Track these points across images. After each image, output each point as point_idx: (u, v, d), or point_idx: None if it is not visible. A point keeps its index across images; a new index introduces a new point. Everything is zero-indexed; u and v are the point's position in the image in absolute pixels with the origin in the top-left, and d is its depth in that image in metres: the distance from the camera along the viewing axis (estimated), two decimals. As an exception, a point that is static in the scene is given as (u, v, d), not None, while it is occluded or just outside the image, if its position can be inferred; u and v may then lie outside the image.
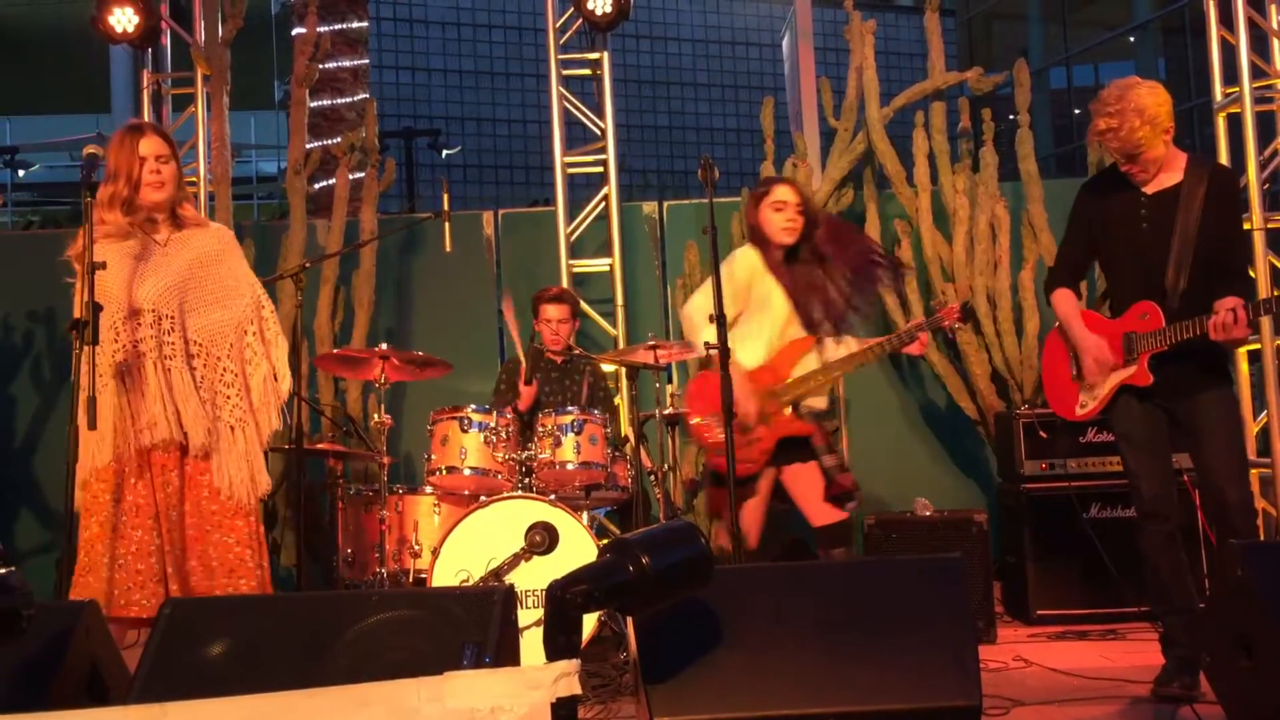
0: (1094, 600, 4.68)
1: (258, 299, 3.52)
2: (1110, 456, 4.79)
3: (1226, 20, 5.64)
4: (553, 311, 5.05)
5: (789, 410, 3.97)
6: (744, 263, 4.07)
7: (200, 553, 3.29)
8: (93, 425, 2.97)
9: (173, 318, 3.32)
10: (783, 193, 4.06)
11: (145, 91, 6.43)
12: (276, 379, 3.49)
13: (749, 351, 3.97)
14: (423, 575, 4.38)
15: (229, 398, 3.38)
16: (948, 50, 6.38)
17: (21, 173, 19.46)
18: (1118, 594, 4.64)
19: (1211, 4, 5.81)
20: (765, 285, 4.04)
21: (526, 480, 4.39)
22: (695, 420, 4.06)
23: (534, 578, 3.99)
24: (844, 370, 4.12)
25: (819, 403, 4.08)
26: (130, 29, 5.95)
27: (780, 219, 4.03)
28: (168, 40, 6.48)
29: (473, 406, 4.44)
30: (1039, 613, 4.71)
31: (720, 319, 3.49)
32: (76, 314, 3.09)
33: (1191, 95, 22.12)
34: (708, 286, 3.96)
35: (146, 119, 6.41)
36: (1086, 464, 4.83)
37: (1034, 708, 3.23)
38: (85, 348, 2.97)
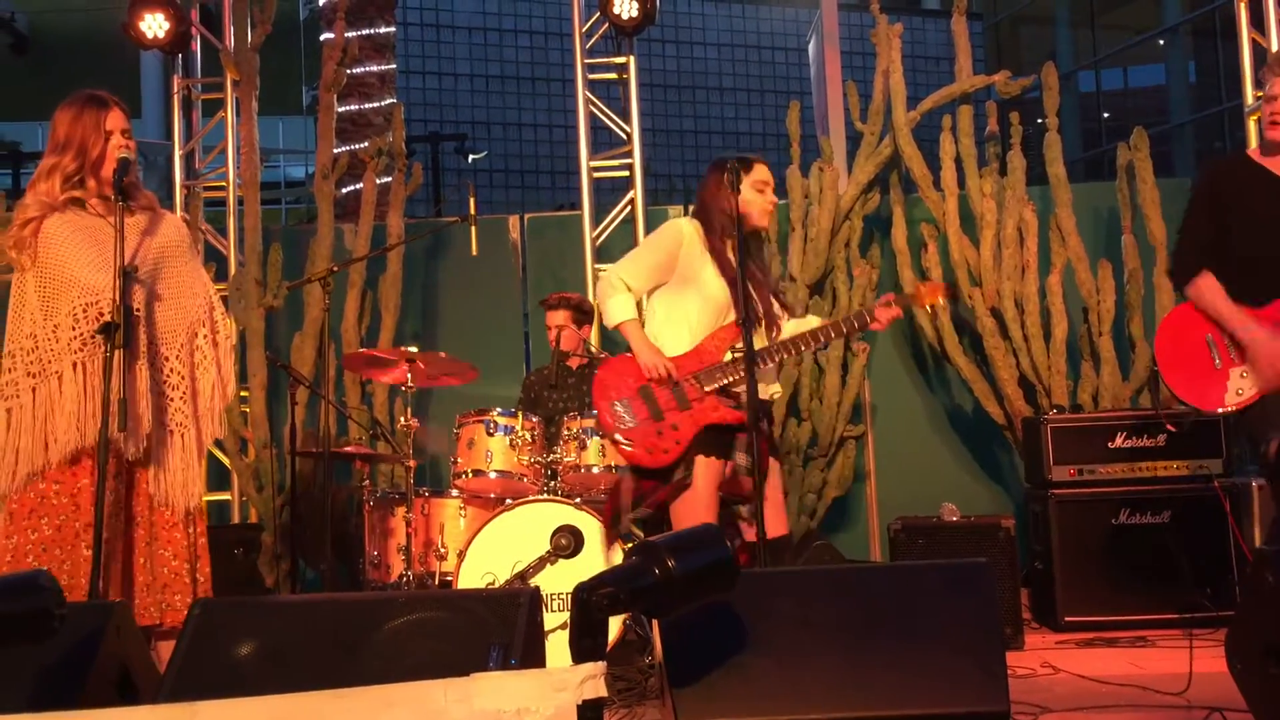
0: (1123, 607, 4.63)
1: (210, 299, 3.37)
2: (1140, 462, 4.76)
3: (1258, 22, 5.60)
4: (549, 319, 5.08)
5: (717, 396, 3.65)
6: (679, 232, 3.72)
7: (142, 565, 3.15)
8: (123, 426, 2.96)
9: (136, 310, 3.15)
10: (765, 172, 3.78)
11: (175, 97, 6.50)
12: (223, 384, 3.34)
13: (673, 337, 3.71)
14: (448, 578, 4.39)
15: (173, 400, 3.21)
16: (975, 54, 6.36)
17: (54, 177, 19.60)
18: (1147, 601, 4.61)
19: (1243, 6, 5.78)
20: (696, 264, 3.70)
21: (551, 483, 4.40)
22: (602, 407, 3.74)
23: (559, 581, 3.99)
24: (791, 352, 3.73)
25: (766, 389, 3.79)
26: (161, 35, 6.01)
27: (763, 200, 3.76)
28: (197, 46, 6.54)
29: (498, 410, 4.45)
30: (1067, 619, 4.68)
31: (747, 323, 3.42)
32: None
33: (1222, 99, 21.94)
34: (634, 255, 3.88)
35: (177, 124, 6.48)
36: (1115, 470, 4.79)
37: (1062, 714, 3.21)
38: (116, 351, 2.98)
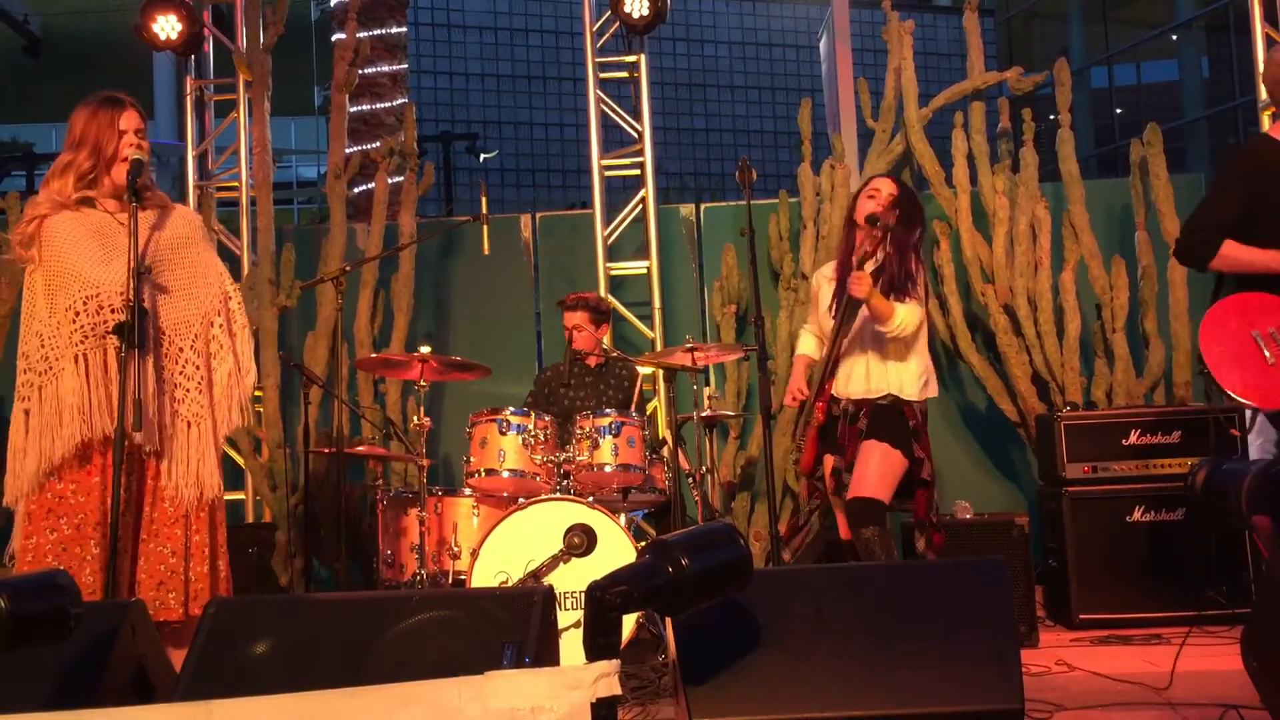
0: (1137, 604, 4.61)
1: (225, 290, 3.35)
2: (1155, 459, 4.74)
3: (1271, 17, 5.57)
4: (566, 319, 5.08)
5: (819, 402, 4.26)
6: (816, 279, 4.44)
7: (141, 563, 3.12)
8: (138, 428, 2.99)
9: (143, 305, 3.12)
10: (879, 182, 4.24)
11: (188, 98, 6.52)
12: (241, 373, 3.32)
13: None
14: (462, 577, 4.40)
15: (188, 391, 3.19)
16: (987, 50, 6.33)
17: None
18: (1162, 598, 4.59)
19: (1256, 1, 5.74)
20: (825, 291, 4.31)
21: (564, 482, 4.40)
22: None
23: (572, 579, 3.99)
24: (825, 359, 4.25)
25: (866, 389, 4.18)
26: (174, 36, 6.03)
27: (871, 206, 4.15)
28: (210, 47, 6.56)
29: (511, 409, 4.45)
30: (1081, 617, 4.66)
31: (759, 321, 3.45)
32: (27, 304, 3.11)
33: (1236, 94, 21.84)
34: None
35: (189, 125, 6.50)
36: (1129, 467, 4.77)
37: (1077, 712, 3.20)
38: (131, 351, 2.99)
